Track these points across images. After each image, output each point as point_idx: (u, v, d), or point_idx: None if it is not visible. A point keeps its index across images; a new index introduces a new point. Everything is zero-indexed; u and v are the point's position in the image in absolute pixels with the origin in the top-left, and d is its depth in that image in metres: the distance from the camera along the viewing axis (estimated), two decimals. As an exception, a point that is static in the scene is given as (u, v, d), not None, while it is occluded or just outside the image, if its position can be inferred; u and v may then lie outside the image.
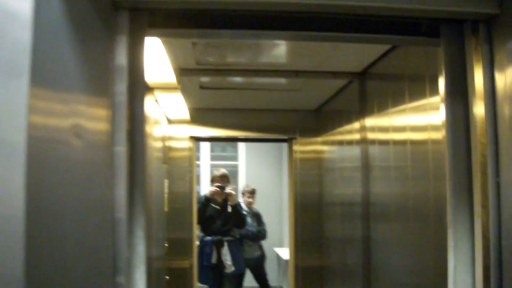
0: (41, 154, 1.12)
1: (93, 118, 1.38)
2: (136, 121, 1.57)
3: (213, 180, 5.41)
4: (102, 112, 1.44)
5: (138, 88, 1.57)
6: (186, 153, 4.57)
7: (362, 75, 3.18)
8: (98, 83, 1.40)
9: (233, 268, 5.33)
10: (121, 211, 1.47)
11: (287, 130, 4.69)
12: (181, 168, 4.52)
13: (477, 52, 1.51)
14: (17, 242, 1.03)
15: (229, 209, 5.35)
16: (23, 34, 1.07)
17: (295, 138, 4.67)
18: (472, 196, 1.56)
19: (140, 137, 1.58)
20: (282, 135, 4.79)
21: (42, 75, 1.11)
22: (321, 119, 4.53)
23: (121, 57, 1.48)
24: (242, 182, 8.85)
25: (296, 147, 4.68)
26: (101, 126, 1.43)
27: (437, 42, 1.63)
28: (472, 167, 1.56)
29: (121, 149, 1.48)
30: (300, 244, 4.63)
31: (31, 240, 1.05)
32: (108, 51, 1.45)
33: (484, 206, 1.50)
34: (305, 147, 4.67)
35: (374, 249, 2.90)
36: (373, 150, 2.94)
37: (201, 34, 1.87)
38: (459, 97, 1.58)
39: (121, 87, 1.47)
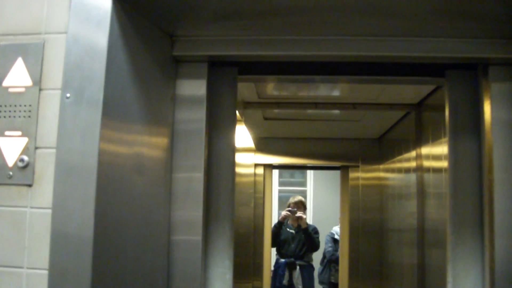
0: (108, 179, 1.25)
1: (153, 147, 1.51)
2: (223, 151, 1.71)
3: (289, 206, 5.67)
4: (161, 141, 1.56)
5: (229, 121, 1.74)
6: (250, 180, 4.69)
7: (418, 106, 3.28)
8: (157, 117, 1.55)
9: (302, 292, 5.43)
10: (198, 234, 1.57)
11: (349, 158, 4.77)
12: (245, 194, 4.63)
13: (487, 92, 1.58)
14: (86, 260, 1.17)
15: (300, 232, 5.53)
16: (100, 68, 1.22)
17: (357, 166, 4.75)
18: (476, 231, 1.59)
19: (230, 167, 1.70)
20: (344, 162, 4.86)
21: (111, 106, 1.26)
22: (382, 147, 4.61)
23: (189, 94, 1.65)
24: (310, 207, 8.93)
25: (358, 174, 4.76)
26: (160, 154, 1.54)
27: (441, 82, 1.73)
28: (483, 204, 1.59)
29: (200, 176, 1.59)
30: (360, 270, 4.65)
31: (97, 259, 1.19)
32: (168, 92, 1.62)
33: (491, 241, 1.52)
34: (367, 174, 4.75)
35: (428, 276, 2.95)
36: (428, 177, 3.03)
37: (280, 80, 2.07)
38: (464, 134, 1.64)
39: (199, 118, 1.63)
